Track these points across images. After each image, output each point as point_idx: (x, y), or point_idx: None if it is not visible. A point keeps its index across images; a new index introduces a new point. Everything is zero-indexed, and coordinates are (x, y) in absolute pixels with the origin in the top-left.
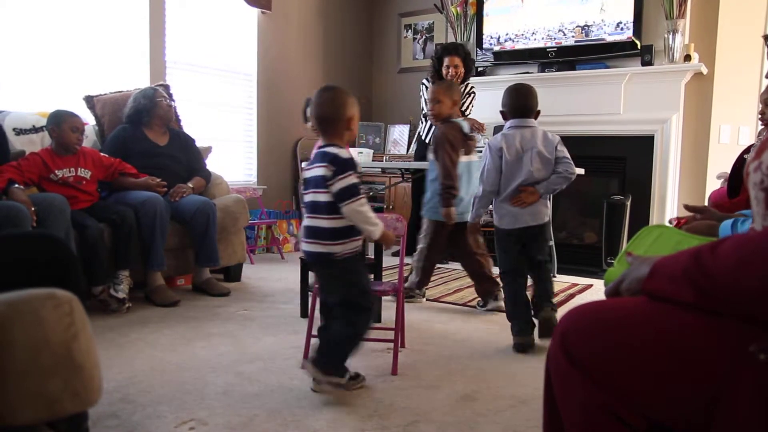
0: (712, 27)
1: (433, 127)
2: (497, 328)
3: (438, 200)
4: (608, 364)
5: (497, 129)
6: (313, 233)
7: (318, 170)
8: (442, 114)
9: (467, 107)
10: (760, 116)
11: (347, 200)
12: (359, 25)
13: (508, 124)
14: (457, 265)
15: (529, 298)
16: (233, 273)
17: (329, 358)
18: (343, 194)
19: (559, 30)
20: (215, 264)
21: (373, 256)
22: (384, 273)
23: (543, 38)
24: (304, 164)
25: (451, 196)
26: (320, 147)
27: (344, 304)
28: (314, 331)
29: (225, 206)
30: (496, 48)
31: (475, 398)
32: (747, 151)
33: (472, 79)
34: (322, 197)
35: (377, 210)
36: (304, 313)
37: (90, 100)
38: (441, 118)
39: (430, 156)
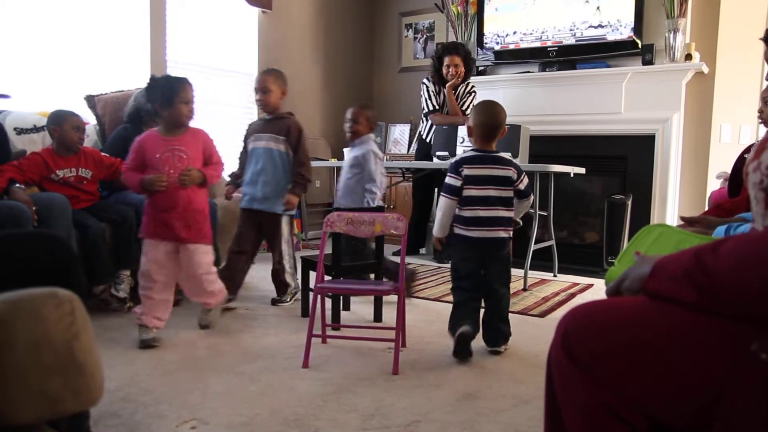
0: (713, 26)
1: (434, 127)
2: None
3: (289, 189)
4: (609, 364)
5: None
6: (498, 222)
7: (504, 171)
8: (271, 104)
9: (468, 106)
10: (758, 114)
11: (529, 195)
12: (360, 24)
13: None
14: None
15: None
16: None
17: (507, 322)
18: (527, 191)
19: (570, 30)
20: (216, 264)
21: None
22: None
23: (547, 37)
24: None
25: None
26: (487, 151)
27: (506, 275)
28: (317, 331)
29: (226, 206)
30: (497, 48)
31: (476, 398)
32: (748, 150)
33: (473, 79)
34: (507, 193)
35: (378, 209)
36: (305, 312)
37: (91, 100)
38: (270, 109)
39: (267, 144)
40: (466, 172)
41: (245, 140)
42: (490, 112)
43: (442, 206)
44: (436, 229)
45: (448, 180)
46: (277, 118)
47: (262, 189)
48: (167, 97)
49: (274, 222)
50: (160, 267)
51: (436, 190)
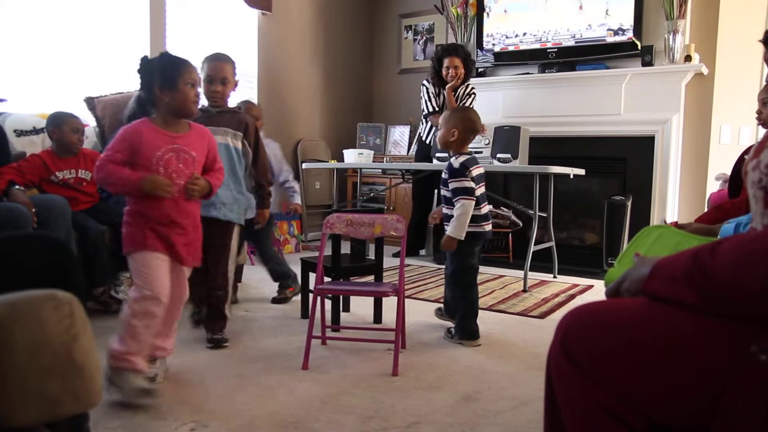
0: (712, 27)
1: (434, 128)
2: (499, 329)
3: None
4: (608, 365)
5: (497, 130)
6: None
7: (483, 170)
8: (227, 97)
9: None
10: (757, 116)
11: None
12: (360, 26)
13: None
14: None
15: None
16: (235, 274)
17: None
18: None
19: (569, 31)
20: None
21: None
22: (384, 274)
23: (547, 39)
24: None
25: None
26: (469, 153)
27: None
28: (316, 332)
29: None
30: (496, 49)
31: (475, 399)
32: (747, 151)
33: (473, 80)
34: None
35: (378, 211)
36: (304, 314)
37: (91, 102)
38: (224, 102)
39: (224, 140)
40: (473, 173)
41: None
42: (474, 118)
43: (466, 209)
44: (459, 233)
45: (463, 183)
46: (227, 112)
47: (219, 192)
48: (170, 78)
49: (227, 233)
50: (165, 286)
51: (436, 191)
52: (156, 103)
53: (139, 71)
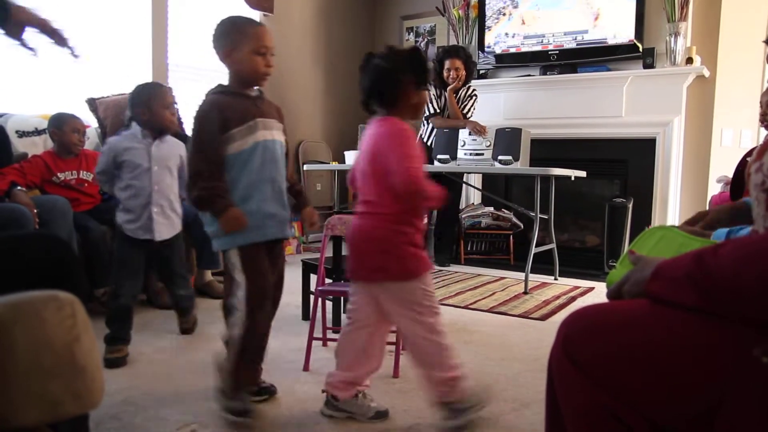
0: (714, 30)
1: (435, 130)
2: (500, 331)
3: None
4: (610, 367)
5: (499, 132)
6: None
7: None
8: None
9: (469, 110)
10: (761, 118)
11: None
12: (361, 27)
13: None
14: (457, 268)
15: None
16: None
17: None
18: None
19: (571, 33)
20: (217, 266)
21: None
22: None
23: (548, 41)
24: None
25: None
26: None
27: None
28: (317, 334)
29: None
30: (498, 51)
31: None
32: (750, 154)
33: (474, 82)
34: None
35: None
36: (305, 315)
37: (92, 103)
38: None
39: (278, 136)
40: None
41: (226, 128)
42: None
43: None
44: None
45: None
46: (261, 97)
47: (287, 205)
48: (424, 78)
49: (283, 249)
50: None
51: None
52: (400, 102)
53: (407, 59)
